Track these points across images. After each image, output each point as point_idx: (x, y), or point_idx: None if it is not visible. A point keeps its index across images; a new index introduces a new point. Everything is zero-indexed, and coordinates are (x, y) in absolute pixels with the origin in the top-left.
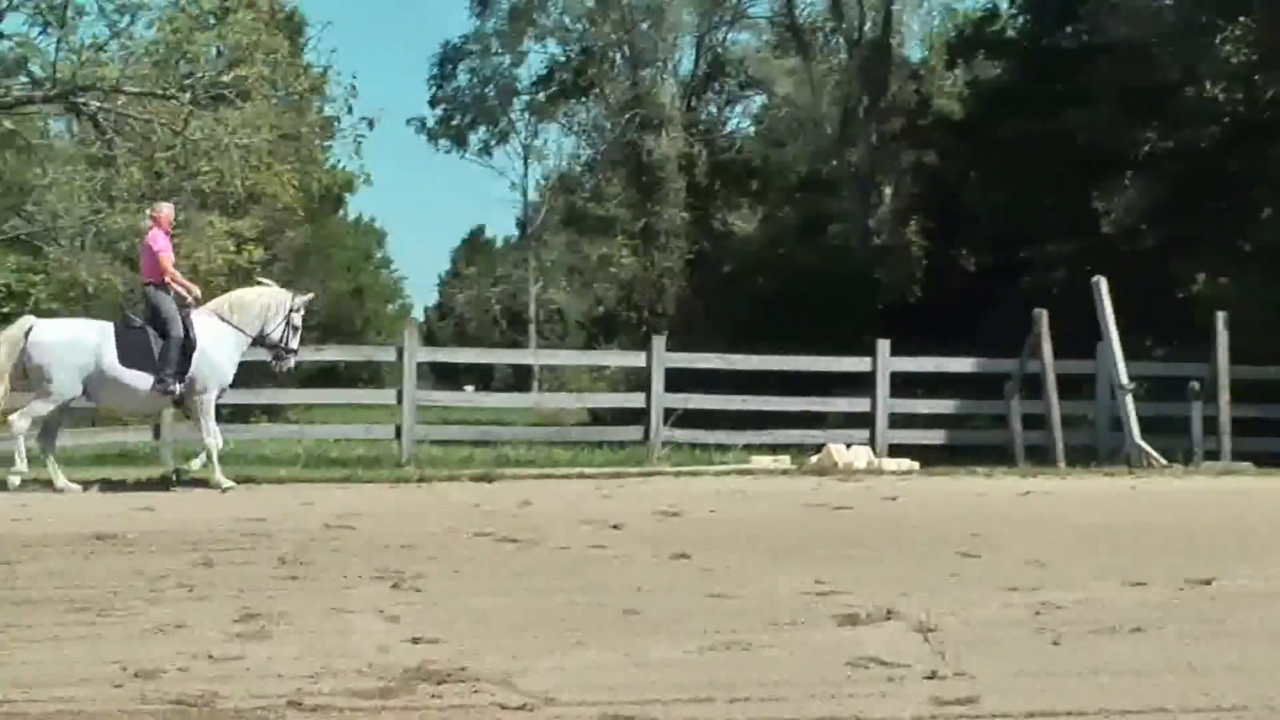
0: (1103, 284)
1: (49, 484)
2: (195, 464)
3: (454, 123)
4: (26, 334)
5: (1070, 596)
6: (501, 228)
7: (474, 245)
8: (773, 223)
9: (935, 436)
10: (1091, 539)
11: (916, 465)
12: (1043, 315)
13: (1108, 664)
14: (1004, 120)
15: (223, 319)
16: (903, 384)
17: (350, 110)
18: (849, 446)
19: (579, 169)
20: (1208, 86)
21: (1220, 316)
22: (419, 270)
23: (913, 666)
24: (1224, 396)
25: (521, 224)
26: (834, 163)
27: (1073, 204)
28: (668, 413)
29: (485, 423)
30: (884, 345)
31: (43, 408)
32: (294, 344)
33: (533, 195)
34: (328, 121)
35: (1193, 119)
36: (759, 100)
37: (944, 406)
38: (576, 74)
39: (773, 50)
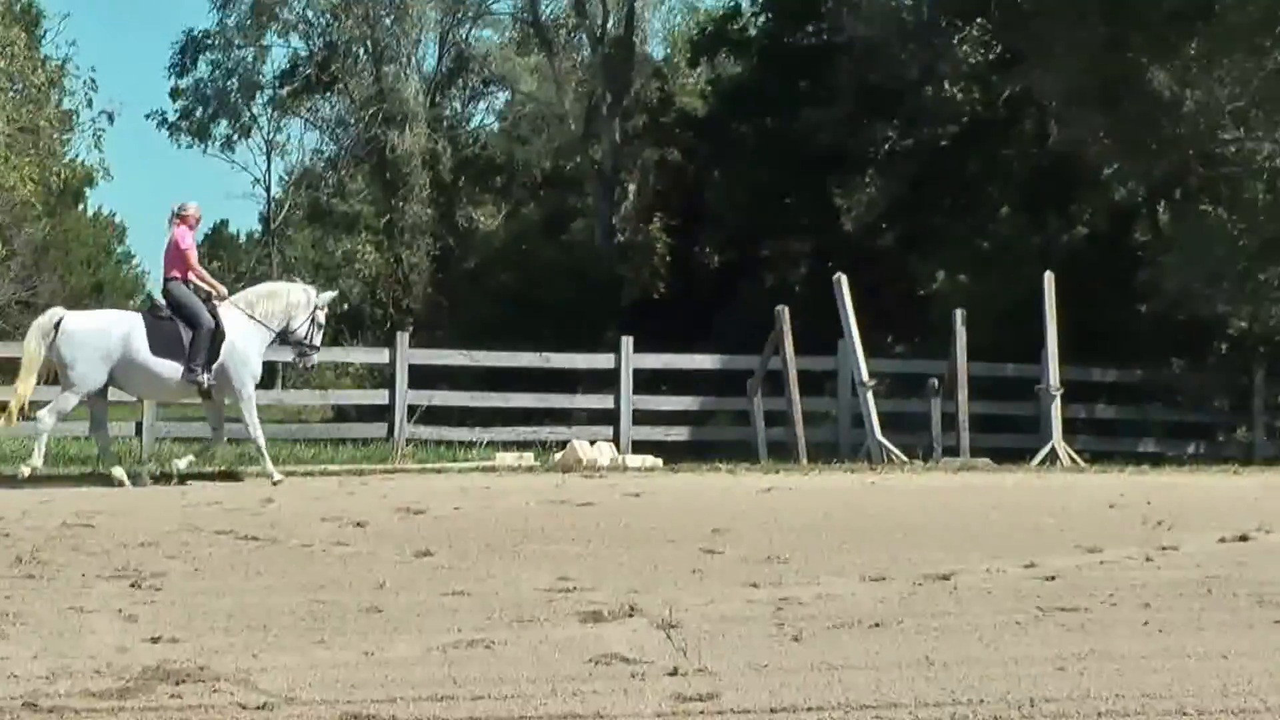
0: (843, 281)
1: (117, 481)
2: (182, 464)
3: (195, 116)
4: (56, 325)
5: (811, 592)
6: (245, 223)
7: (217, 240)
8: (517, 219)
9: (679, 433)
10: (832, 535)
11: (660, 462)
12: (784, 312)
13: (847, 659)
14: (746, 118)
15: (248, 315)
16: (647, 381)
17: (90, 104)
18: (593, 443)
19: (322, 165)
20: (945, 86)
21: (958, 314)
22: (161, 265)
23: (654, 663)
24: (962, 393)
25: (265, 219)
26: (578, 159)
27: (814, 201)
28: (412, 409)
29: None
30: (627, 342)
31: (70, 400)
32: (317, 340)
33: (276, 191)
34: (67, 115)
35: (931, 118)
36: (503, 96)
37: (687, 403)
38: (320, 69)
39: (516, 47)
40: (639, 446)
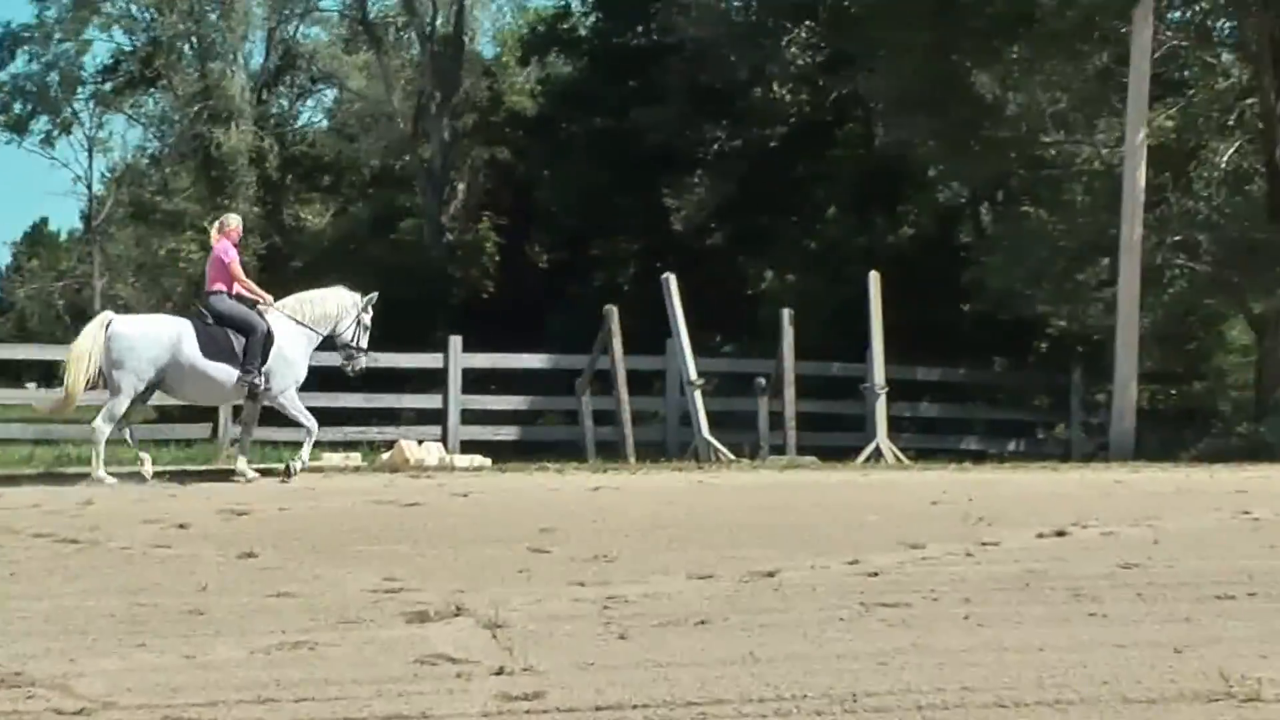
0: (672, 281)
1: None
2: (242, 464)
3: (12, 111)
4: (106, 327)
5: (637, 590)
6: (66, 221)
7: (37, 238)
8: (345, 218)
9: (508, 433)
10: (660, 533)
11: (489, 461)
12: (613, 312)
13: (673, 656)
14: (576, 118)
15: (295, 320)
16: (475, 380)
17: None
18: (421, 443)
19: (146, 162)
20: (774, 87)
21: (786, 313)
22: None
23: (481, 663)
24: (789, 392)
25: (86, 217)
26: (407, 158)
27: (644, 201)
28: (236, 410)
29: (47, 420)
30: (456, 341)
31: (122, 403)
32: (364, 343)
33: (98, 188)
34: None
35: (760, 119)
36: (331, 94)
37: (516, 403)
38: (144, 64)
39: (345, 44)
40: (467, 446)
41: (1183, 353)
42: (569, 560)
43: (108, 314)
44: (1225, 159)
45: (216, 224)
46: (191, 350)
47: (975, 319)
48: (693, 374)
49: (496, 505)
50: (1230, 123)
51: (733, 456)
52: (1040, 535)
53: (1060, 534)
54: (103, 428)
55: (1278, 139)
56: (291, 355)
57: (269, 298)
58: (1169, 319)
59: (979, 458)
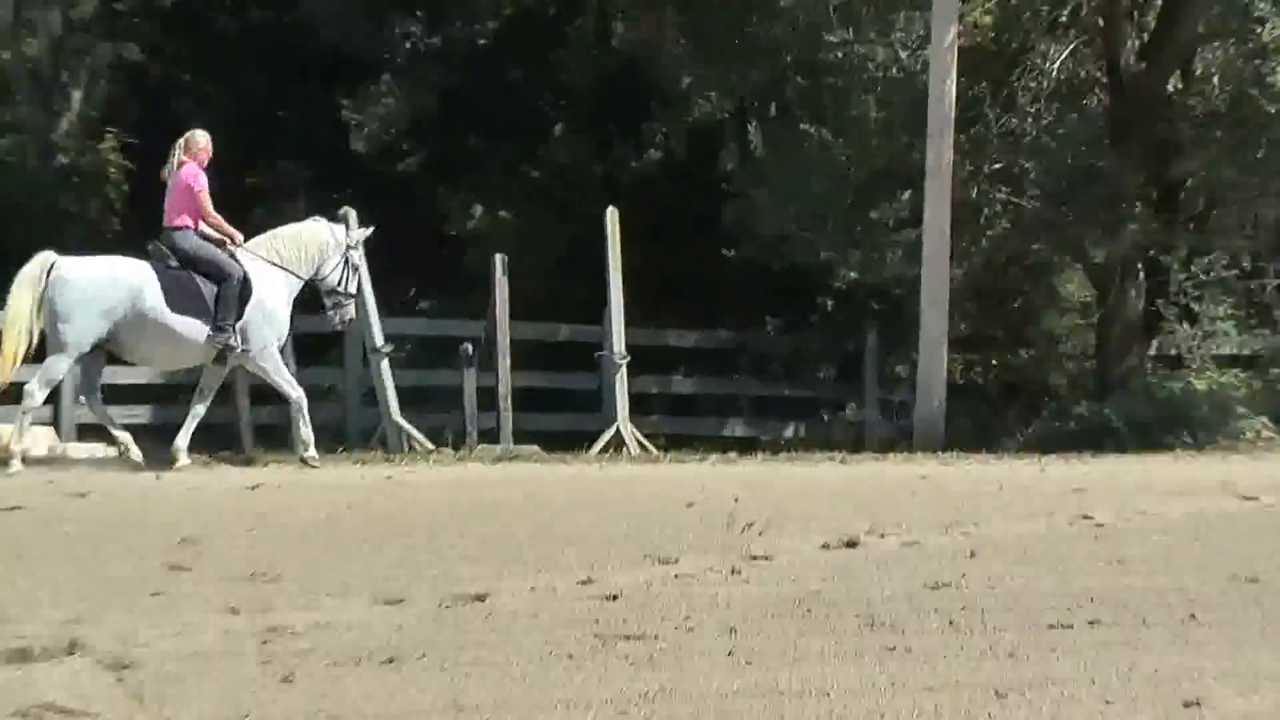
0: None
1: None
2: (309, 452)
3: None
4: (49, 271)
5: (307, 619)
6: None
7: None
8: None
9: (140, 414)
10: (336, 545)
11: (115, 451)
12: None
13: (353, 704)
14: (227, 7)
15: (273, 263)
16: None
17: None
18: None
19: None
20: None
21: (499, 260)
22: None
23: (101, 715)
24: (504, 362)
25: None
26: (6, 55)
27: (316, 116)
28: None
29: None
30: None
31: (60, 364)
32: (353, 287)
33: None
34: None
35: (466, 10)
36: None
37: (149, 375)
38: None
39: None
40: (87, 431)
41: (1005, 312)
42: (218, 580)
43: (49, 254)
44: (1057, 66)
45: (181, 142)
46: (155, 300)
47: (742, 269)
48: (379, 339)
49: (124, 508)
50: (1063, 19)
51: (431, 445)
52: (825, 546)
53: (850, 544)
54: (38, 394)
55: (1123, 40)
56: (272, 305)
57: (239, 236)
58: (988, 269)
59: (748, 445)
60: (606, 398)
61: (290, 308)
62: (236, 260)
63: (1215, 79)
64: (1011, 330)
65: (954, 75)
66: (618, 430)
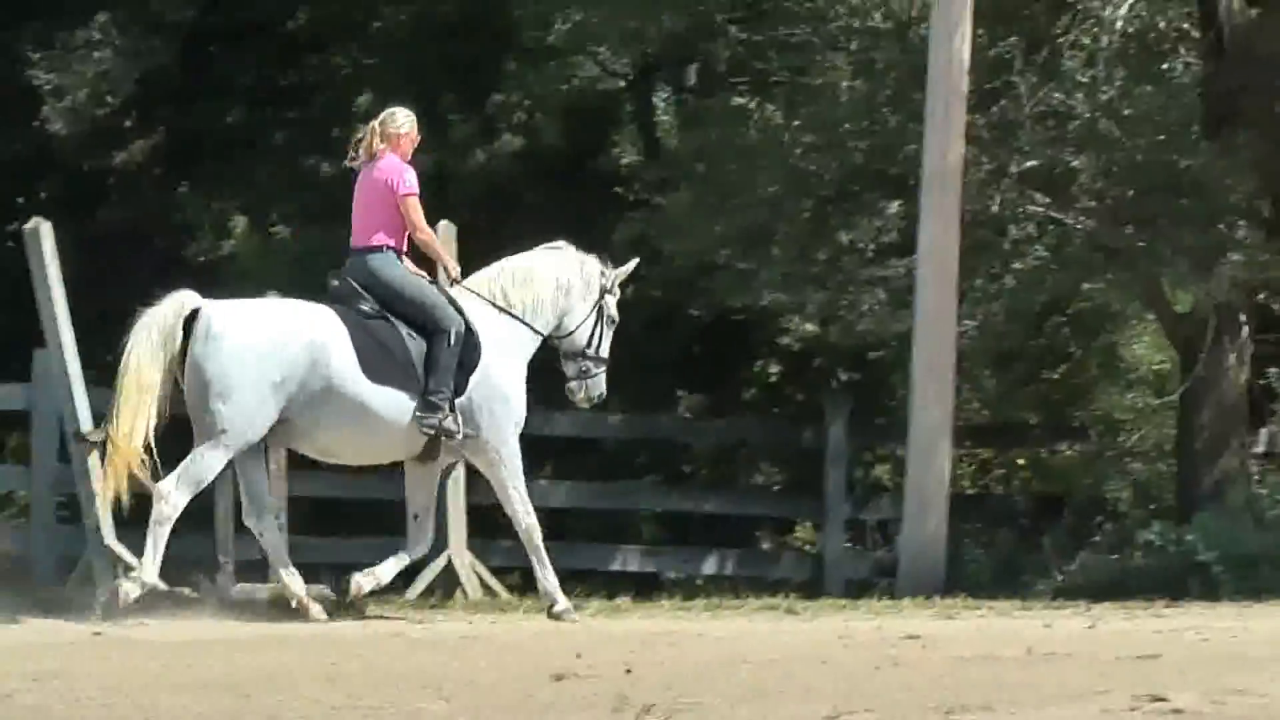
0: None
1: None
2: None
3: None
4: (190, 321)
5: None
6: None
7: None
8: None
9: None
10: None
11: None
12: None
13: None
14: None
15: (500, 308)
16: None
17: None
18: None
19: None
20: None
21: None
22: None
23: None
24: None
25: None
26: None
27: None
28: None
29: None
30: None
31: (213, 461)
32: (606, 349)
33: None
34: None
35: None
36: None
37: None
38: None
39: None
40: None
41: (1041, 387)
42: None
43: (189, 297)
44: (1123, 13)
45: (374, 125)
46: (344, 364)
47: (644, 317)
48: (84, 419)
49: None
50: None
51: (155, 581)
52: None
53: None
54: (176, 497)
55: None
56: (505, 375)
57: (456, 268)
58: (1015, 320)
59: (648, 587)
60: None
61: (524, 379)
62: (453, 304)
63: None
64: (1050, 414)
65: (968, 26)
66: (449, 562)
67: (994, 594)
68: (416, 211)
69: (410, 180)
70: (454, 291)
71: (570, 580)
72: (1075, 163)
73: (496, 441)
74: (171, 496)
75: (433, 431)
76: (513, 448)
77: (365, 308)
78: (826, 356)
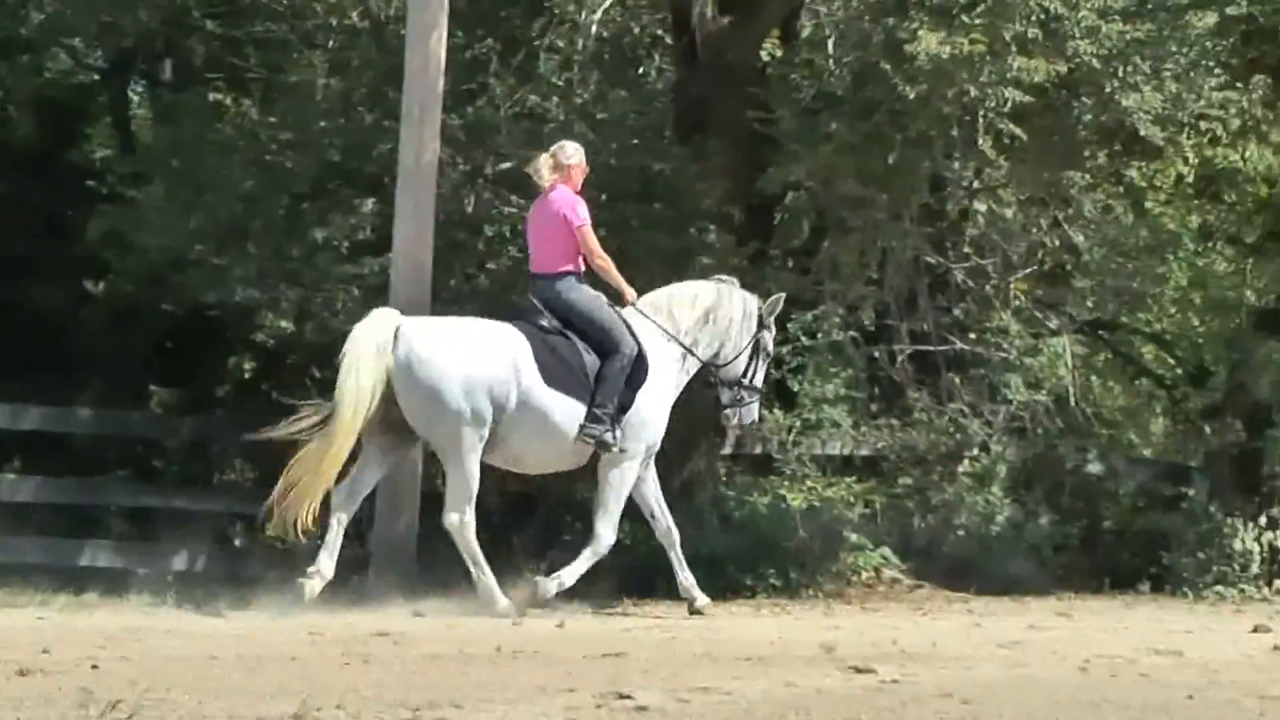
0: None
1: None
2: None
3: None
4: (396, 338)
5: None
6: None
7: None
8: None
9: None
10: None
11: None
12: None
13: None
14: None
15: (668, 333)
16: None
17: None
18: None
19: None
20: None
21: None
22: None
23: None
24: None
25: None
26: None
27: None
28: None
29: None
30: None
31: (467, 473)
32: (760, 379)
33: None
34: None
35: None
36: None
37: None
38: None
39: None
40: None
41: None
42: None
43: (393, 315)
44: (598, 17)
45: (547, 157)
46: (532, 377)
47: (114, 312)
48: None
49: None
50: None
51: None
52: None
53: None
54: (457, 518)
55: None
56: (653, 397)
57: (631, 292)
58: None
59: (117, 583)
60: None
61: (671, 402)
62: (629, 329)
63: (831, 44)
64: None
65: (444, 27)
66: None
67: (466, 592)
68: (593, 240)
69: (583, 212)
70: (626, 313)
71: (38, 575)
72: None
73: (632, 453)
74: (459, 521)
75: (592, 442)
76: (632, 468)
77: (544, 323)
78: (301, 353)
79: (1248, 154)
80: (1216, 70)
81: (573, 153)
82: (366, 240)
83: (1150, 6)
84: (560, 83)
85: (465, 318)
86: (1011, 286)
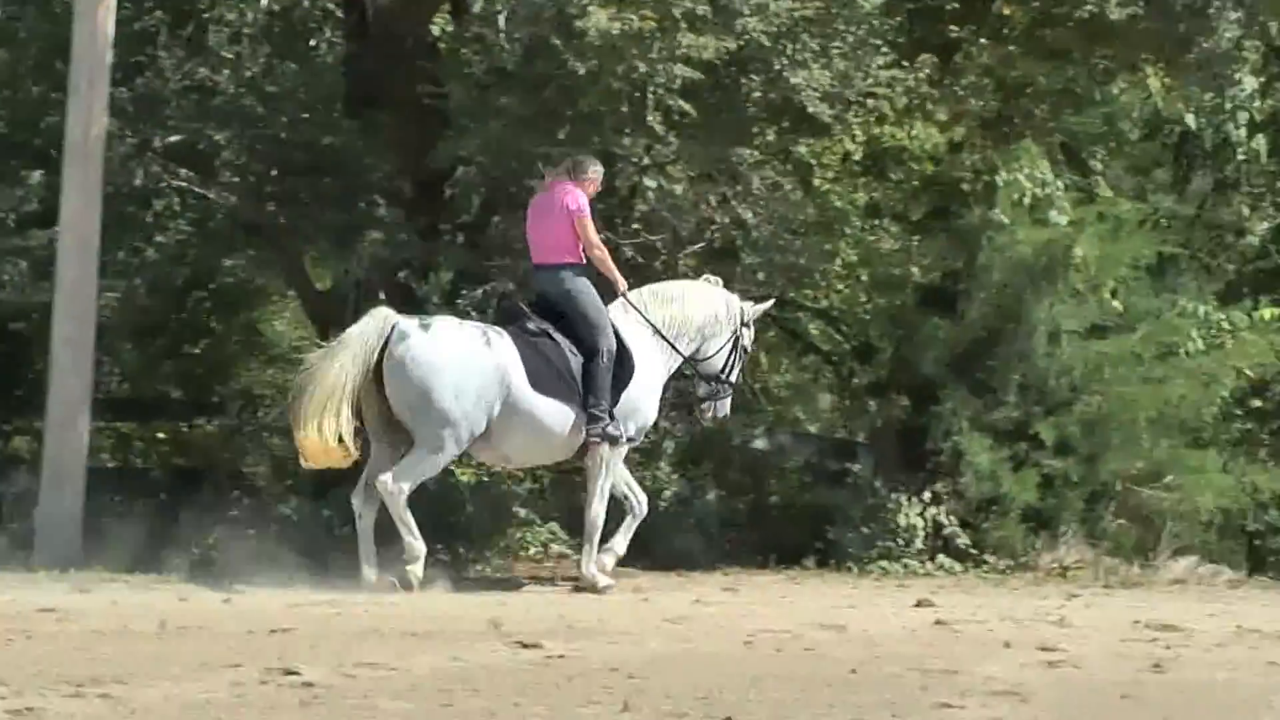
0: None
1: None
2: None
3: None
4: (389, 337)
5: None
6: None
7: None
8: None
9: None
10: None
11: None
12: None
13: None
14: None
15: (653, 327)
16: None
17: None
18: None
19: None
20: None
21: None
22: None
23: None
24: None
25: None
26: None
27: None
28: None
29: None
30: None
31: (435, 462)
32: (735, 375)
33: None
34: None
35: None
36: None
37: None
38: None
39: None
40: None
41: (184, 361)
42: None
43: (388, 314)
44: None
45: (567, 165)
46: (521, 380)
47: None
48: None
49: None
50: None
51: None
52: None
53: None
54: (400, 487)
55: None
56: (646, 384)
57: (624, 283)
58: (157, 295)
59: None
60: None
61: (659, 395)
62: (613, 327)
63: (502, 19)
64: (191, 389)
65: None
66: None
67: (132, 568)
68: (591, 230)
69: (584, 203)
70: (615, 307)
71: None
72: (219, 138)
73: (629, 439)
74: (397, 490)
75: (599, 439)
76: (620, 451)
77: (531, 326)
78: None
79: (914, 132)
80: (883, 49)
81: (592, 169)
82: (33, 212)
83: None
84: (230, 55)
85: (459, 320)
86: (681, 262)
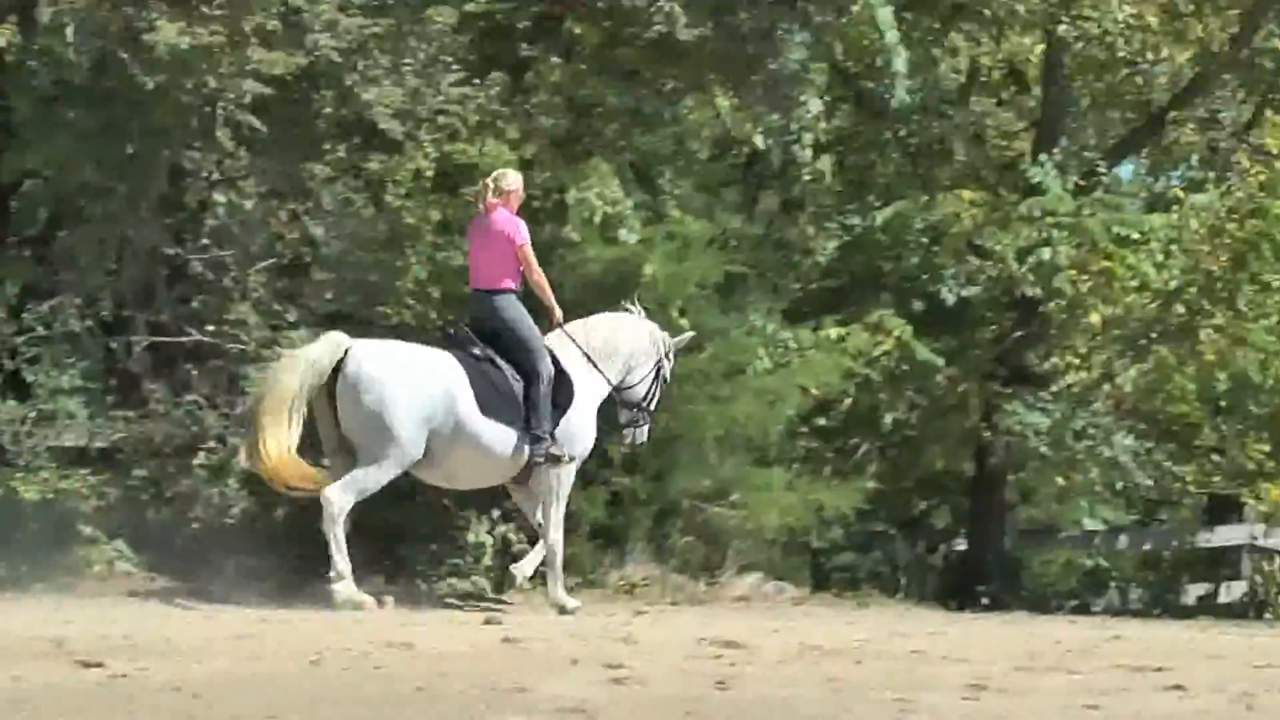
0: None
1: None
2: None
3: None
4: (342, 360)
5: None
6: None
7: None
8: None
9: None
10: None
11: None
12: None
13: None
14: None
15: (587, 356)
16: None
17: None
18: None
19: None
20: None
21: None
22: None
23: None
24: None
25: None
26: None
27: None
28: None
29: None
30: None
31: (379, 477)
32: (654, 405)
33: None
34: None
35: None
36: None
37: None
38: None
39: None
40: None
41: None
42: None
43: (340, 338)
44: None
45: (489, 182)
46: (468, 403)
47: None
48: None
49: None
50: None
51: None
52: None
53: None
54: (343, 500)
55: None
56: (579, 414)
57: (559, 312)
58: None
59: None
60: None
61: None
62: (550, 352)
63: (70, 32)
64: None
65: None
66: None
67: None
68: (533, 258)
69: (525, 232)
70: (552, 335)
71: None
72: None
73: (561, 470)
74: (338, 499)
75: (542, 460)
76: (569, 476)
77: (476, 351)
78: None
79: (485, 150)
80: (455, 66)
81: (513, 180)
82: None
83: (391, 1)
84: None
85: (409, 344)
86: (250, 278)
